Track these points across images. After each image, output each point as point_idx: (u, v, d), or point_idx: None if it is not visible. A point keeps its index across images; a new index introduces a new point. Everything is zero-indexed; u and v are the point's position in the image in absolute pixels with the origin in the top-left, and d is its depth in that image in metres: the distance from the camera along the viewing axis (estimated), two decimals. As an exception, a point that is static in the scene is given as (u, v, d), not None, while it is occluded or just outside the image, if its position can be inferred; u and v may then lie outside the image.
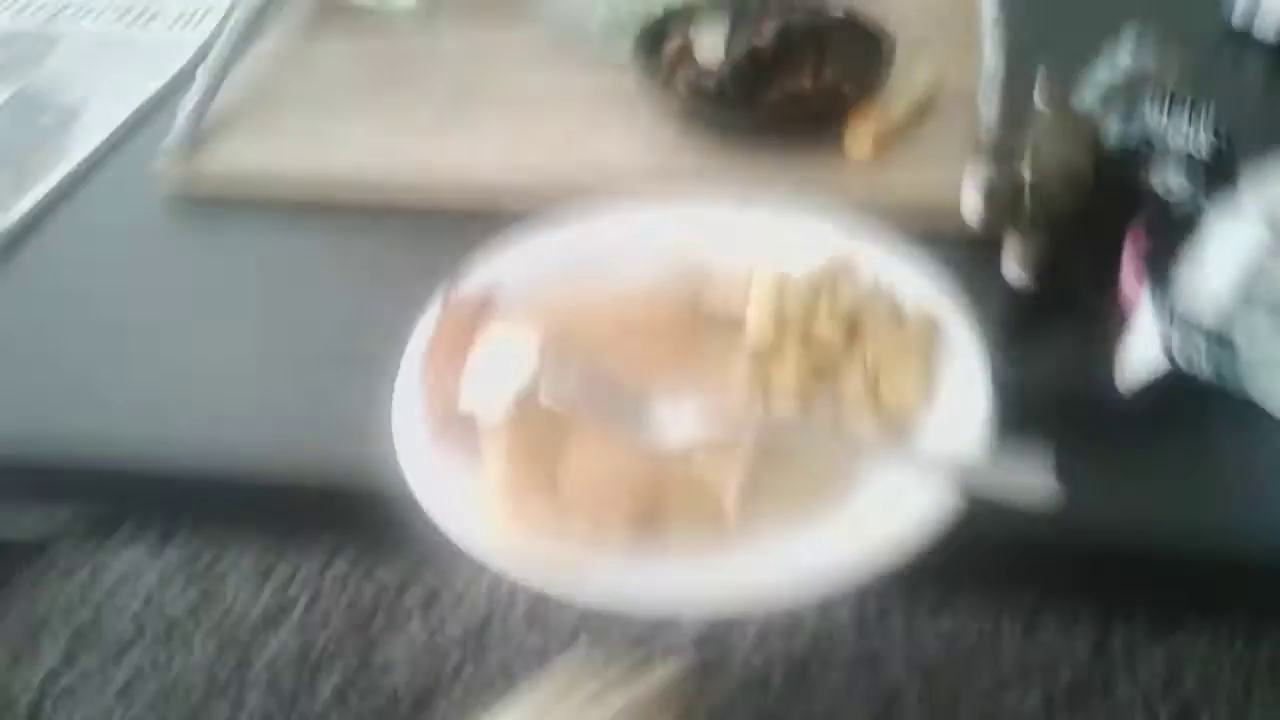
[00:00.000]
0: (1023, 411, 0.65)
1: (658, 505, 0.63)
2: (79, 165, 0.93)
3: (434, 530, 0.62)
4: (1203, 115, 0.75)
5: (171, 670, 1.54)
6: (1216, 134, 0.74)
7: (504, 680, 1.45)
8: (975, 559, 0.62)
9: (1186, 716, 1.37)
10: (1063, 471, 0.60)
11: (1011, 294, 0.76)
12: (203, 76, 0.95)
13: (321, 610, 1.58)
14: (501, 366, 0.68)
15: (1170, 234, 0.71)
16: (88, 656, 1.56)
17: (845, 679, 1.42)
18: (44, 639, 1.58)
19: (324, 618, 1.58)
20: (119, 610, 1.61)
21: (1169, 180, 0.72)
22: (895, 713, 1.41)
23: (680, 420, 0.65)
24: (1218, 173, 0.73)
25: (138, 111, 0.99)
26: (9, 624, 1.60)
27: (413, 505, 0.63)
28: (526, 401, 0.66)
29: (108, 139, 0.95)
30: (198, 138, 0.92)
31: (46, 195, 0.90)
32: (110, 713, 1.50)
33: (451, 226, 0.85)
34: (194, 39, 1.07)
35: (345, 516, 0.70)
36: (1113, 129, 0.84)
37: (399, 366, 0.70)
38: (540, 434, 0.65)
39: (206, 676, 1.53)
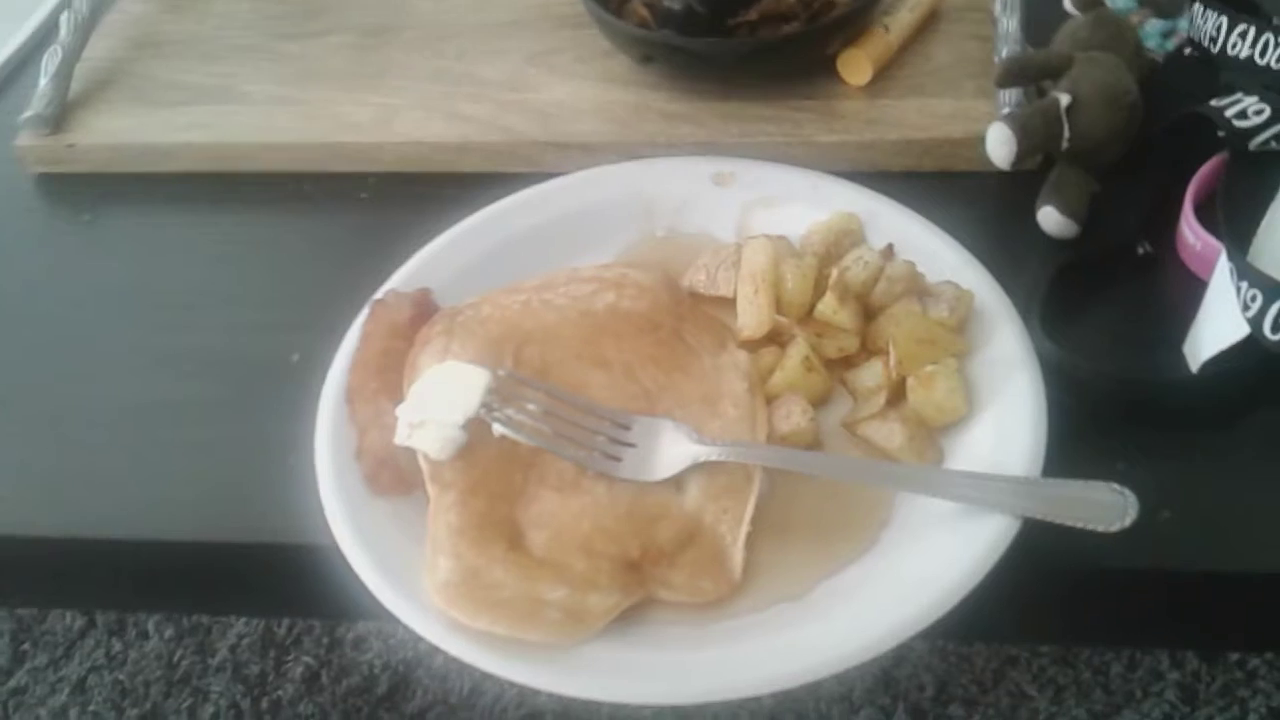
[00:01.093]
0: (1079, 405, 0.54)
1: (646, 556, 0.51)
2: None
3: (369, 595, 0.50)
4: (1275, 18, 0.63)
5: (128, 662, 1.44)
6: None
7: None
8: (1042, 598, 0.52)
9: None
10: (1136, 480, 0.49)
11: (1050, 249, 0.63)
12: (66, 27, 0.80)
13: (284, 586, 1.47)
14: (445, 389, 0.55)
15: (1247, 170, 0.59)
16: (36, 654, 1.45)
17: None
18: (-15, 638, 1.47)
19: (287, 594, 1.47)
20: (65, 601, 1.50)
21: (1242, 103, 0.59)
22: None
23: (667, 445, 0.53)
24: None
25: (-3, 72, 0.83)
26: (-56, 624, 1.49)
27: (342, 564, 0.51)
28: (478, 433, 0.54)
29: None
30: (65, 104, 0.77)
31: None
32: (66, 712, 1.40)
33: (377, 198, 0.73)
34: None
35: (262, 578, 0.58)
36: (1151, 33, 0.71)
37: (319, 388, 0.57)
38: (497, 473, 0.53)
39: (166, 666, 1.43)
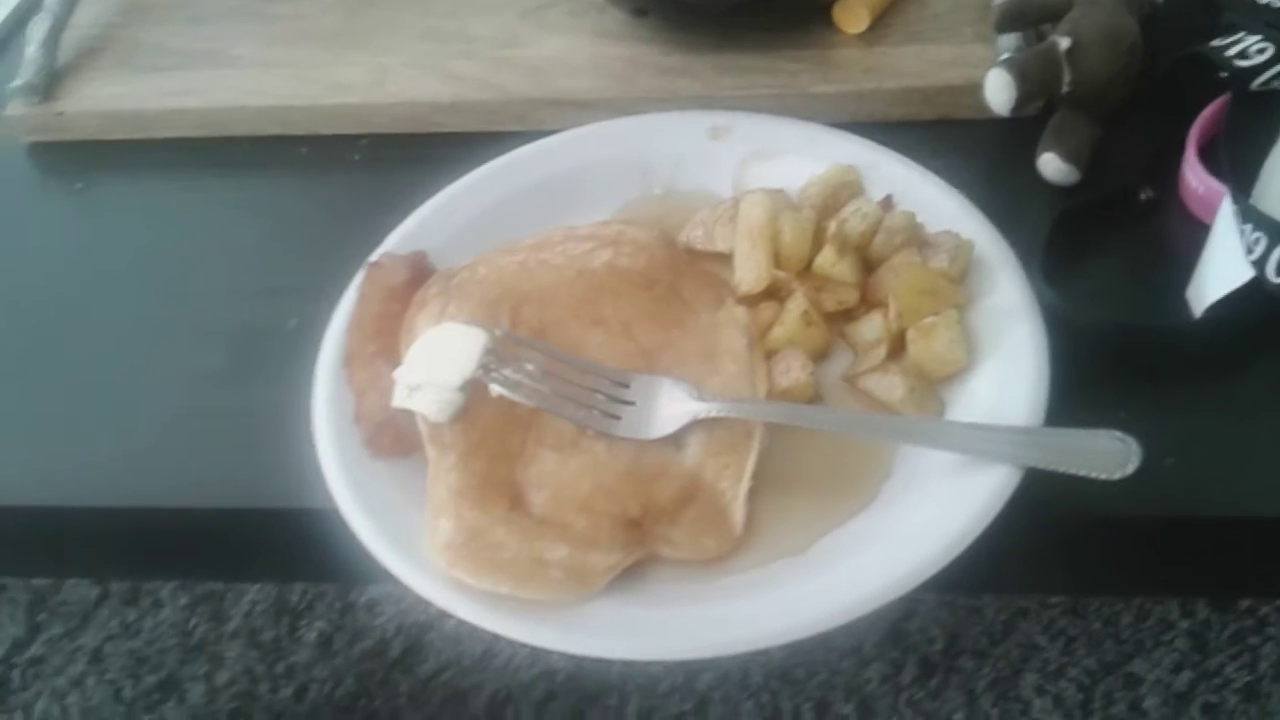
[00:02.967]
0: (1081, 353, 0.53)
1: (647, 514, 0.51)
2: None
3: (371, 559, 0.50)
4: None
5: (143, 631, 1.45)
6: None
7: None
8: (1046, 548, 0.51)
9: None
10: (1139, 428, 0.48)
11: (1052, 197, 0.62)
12: (53, -6, 0.79)
13: (295, 551, 1.47)
14: (442, 350, 0.55)
15: (1249, 112, 0.58)
16: (52, 624, 1.46)
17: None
18: (1, 608, 1.48)
19: (299, 559, 1.48)
20: (79, 572, 1.51)
21: (1244, 42, 0.58)
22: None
23: (666, 403, 0.53)
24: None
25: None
26: (-40, 596, 1.50)
27: (344, 529, 0.51)
28: (476, 394, 0.54)
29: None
30: (54, 72, 0.76)
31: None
32: (83, 680, 1.41)
33: (371, 159, 0.72)
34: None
35: (266, 544, 0.58)
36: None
37: (317, 351, 0.57)
38: (496, 434, 0.53)
39: (181, 634, 1.44)
